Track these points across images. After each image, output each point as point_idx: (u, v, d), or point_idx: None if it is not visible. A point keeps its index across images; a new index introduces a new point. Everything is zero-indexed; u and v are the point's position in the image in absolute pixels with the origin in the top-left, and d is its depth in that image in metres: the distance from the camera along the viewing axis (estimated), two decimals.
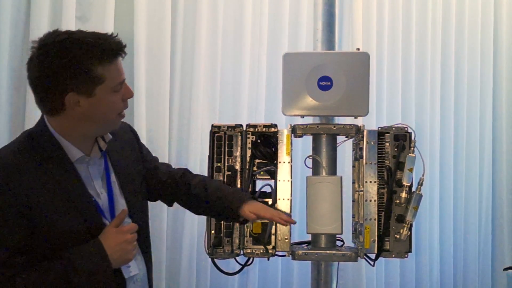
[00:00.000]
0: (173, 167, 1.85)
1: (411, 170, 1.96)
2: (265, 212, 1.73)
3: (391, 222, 1.98)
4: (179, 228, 2.66)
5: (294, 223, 1.80)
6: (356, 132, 2.03)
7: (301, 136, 2.10)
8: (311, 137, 2.12)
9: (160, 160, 1.84)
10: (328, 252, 2.01)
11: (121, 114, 1.44)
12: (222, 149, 2.01)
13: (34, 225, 1.29)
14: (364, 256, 1.99)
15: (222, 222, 1.96)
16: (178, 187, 1.75)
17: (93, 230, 1.36)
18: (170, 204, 1.84)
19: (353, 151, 2.19)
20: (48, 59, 1.31)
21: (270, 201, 2.00)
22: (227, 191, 1.78)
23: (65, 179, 1.35)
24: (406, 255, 2.00)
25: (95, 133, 1.45)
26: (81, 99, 1.34)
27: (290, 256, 2.00)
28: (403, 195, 1.96)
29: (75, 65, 1.31)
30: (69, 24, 2.54)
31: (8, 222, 1.27)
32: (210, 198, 1.73)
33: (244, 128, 2.04)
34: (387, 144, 2.00)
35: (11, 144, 1.41)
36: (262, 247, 1.98)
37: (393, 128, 2.02)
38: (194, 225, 2.65)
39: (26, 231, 1.28)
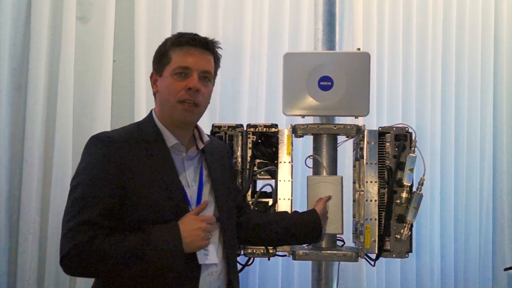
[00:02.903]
0: None
1: (411, 170, 1.96)
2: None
3: (391, 222, 1.98)
4: None
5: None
6: (356, 132, 2.03)
7: (302, 136, 2.10)
8: (311, 137, 2.12)
9: None
10: (328, 252, 2.01)
11: (182, 103, 1.51)
12: None
13: (127, 196, 1.42)
14: (365, 256, 1.99)
15: None
16: (251, 219, 1.82)
17: (178, 214, 1.46)
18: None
19: (353, 151, 2.19)
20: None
21: (270, 201, 2.00)
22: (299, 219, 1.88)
23: (161, 161, 1.49)
24: (406, 255, 2.00)
25: (172, 120, 1.55)
26: (157, 79, 1.55)
27: (291, 256, 2.00)
28: (404, 195, 1.96)
29: (160, 48, 1.56)
30: (70, 24, 2.54)
31: (105, 188, 1.40)
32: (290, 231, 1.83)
33: (245, 128, 2.04)
34: (388, 144, 2.00)
35: (121, 127, 1.58)
36: (262, 247, 1.98)
37: (394, 128, 2.02)
38: None
39: (118, 200, 1.41)
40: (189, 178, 1.54)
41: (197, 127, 1.63)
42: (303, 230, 1.82)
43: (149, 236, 1.38)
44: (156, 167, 1.47)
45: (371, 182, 1.99)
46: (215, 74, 1.63)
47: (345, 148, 2.36)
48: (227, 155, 1.79)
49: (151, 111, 1.60)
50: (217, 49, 1.61)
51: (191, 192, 1.53)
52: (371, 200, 1.98)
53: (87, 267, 1.37)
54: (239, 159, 2.01)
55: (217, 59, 1.62)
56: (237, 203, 1.79)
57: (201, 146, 1.60)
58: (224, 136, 2.02)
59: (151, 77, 1.59)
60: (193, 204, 1.52)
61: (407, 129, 2.02)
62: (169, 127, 1.54)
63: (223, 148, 1.78)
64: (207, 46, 1.57)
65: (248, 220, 1.80)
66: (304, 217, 1.85)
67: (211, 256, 1.51)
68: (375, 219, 1.97)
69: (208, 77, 1.56)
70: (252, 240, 1.87)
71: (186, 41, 1.53)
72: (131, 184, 1.42)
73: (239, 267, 2.02)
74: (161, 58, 1.55)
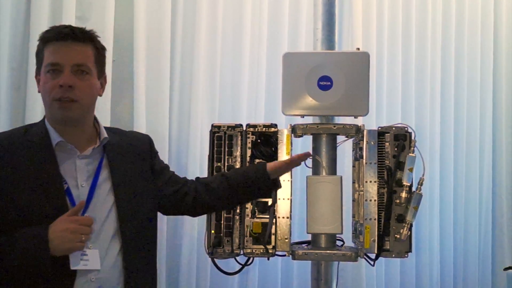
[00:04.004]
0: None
1: (411, 170, 1.96)
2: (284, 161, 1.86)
3: (391, 222, 1.98)
4: (179, 228, 2.65)
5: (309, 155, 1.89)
6: (356, 132, 2.03)
7: (301, 136, 2.10)
8: (311, 137, 2.12)
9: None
10: (328, 252, 2.01)
11: (58, 100, 1.45)
12: (222, 149, 2.01)
13: (1, 199, 1.37)
14: (364, 256, 1.99)
15: (222, 221, 1.95)
16: (196, 189, 1.76)
17: (59, 215, 1.38)
18: (192, 214, 1.86)
19: (353, 151, 2.19)
20: None
21: (270, 201, 2.00)
22: (243, 169, 1.87)
23: (42, 162, 1.43)
24: (406, 255, 2.00)
25: (53, 119, 1.49)
26: (40, 78, 1.49)
27: (290, 256, 2.00)
28: (403, 195, 1.96)
29: (37, 46, 1.52)
30: (69, 24, 2.53)
31: None
32: (233, 181, 1.78)
33: (244, 128, 2.04)
34: (387, 144, 2.00)
35: (11, 129, 1.58)
36: (262, 247, 1.98)
37: (393, 128, 2.02)
38: (194, 224, 2.64)
39: None
40: (80, 178, 1.47)
41: (98, 123, 1.57)
42: (252, 187, 1.80)
43: (15, 237, 1.32)
44: (37, 168, 1.41)
45: (370, 182, 1.99)
46: (100, 64, 1.55)
47: (345, 148, 2.35)
48: (148, 149, 1.70)
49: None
50: (94, 38, 1.52)
51: (80, 193, 1.45)
52: (370, 200, 1.98)
53: None
54: (239, 159, 2.01)
55: (97, 48, 1.53)
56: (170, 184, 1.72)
57: (97, 144, 1.53)
58: (223, 136, 2.02)
59: (35, 77, 1.53)
60: None
61: (406, 129, 2.02)
62: (55, 126, 1.48)
63: (142, 143, 1.69)
64: (79, 38, 1.47)
65: (185, 193, 1.73)
66: (250, 173, 1.81)
67: (92, 261, 1.40)
68: (375, 219, 1.97)
69: (85, 70, 1.47)
70: (202, 209, 1.83)
71: (53, 36, 1.46)
72: (6, 186, 1.37)
73: (238, 266, 2.03)
74: (38, 56, 1.50)
